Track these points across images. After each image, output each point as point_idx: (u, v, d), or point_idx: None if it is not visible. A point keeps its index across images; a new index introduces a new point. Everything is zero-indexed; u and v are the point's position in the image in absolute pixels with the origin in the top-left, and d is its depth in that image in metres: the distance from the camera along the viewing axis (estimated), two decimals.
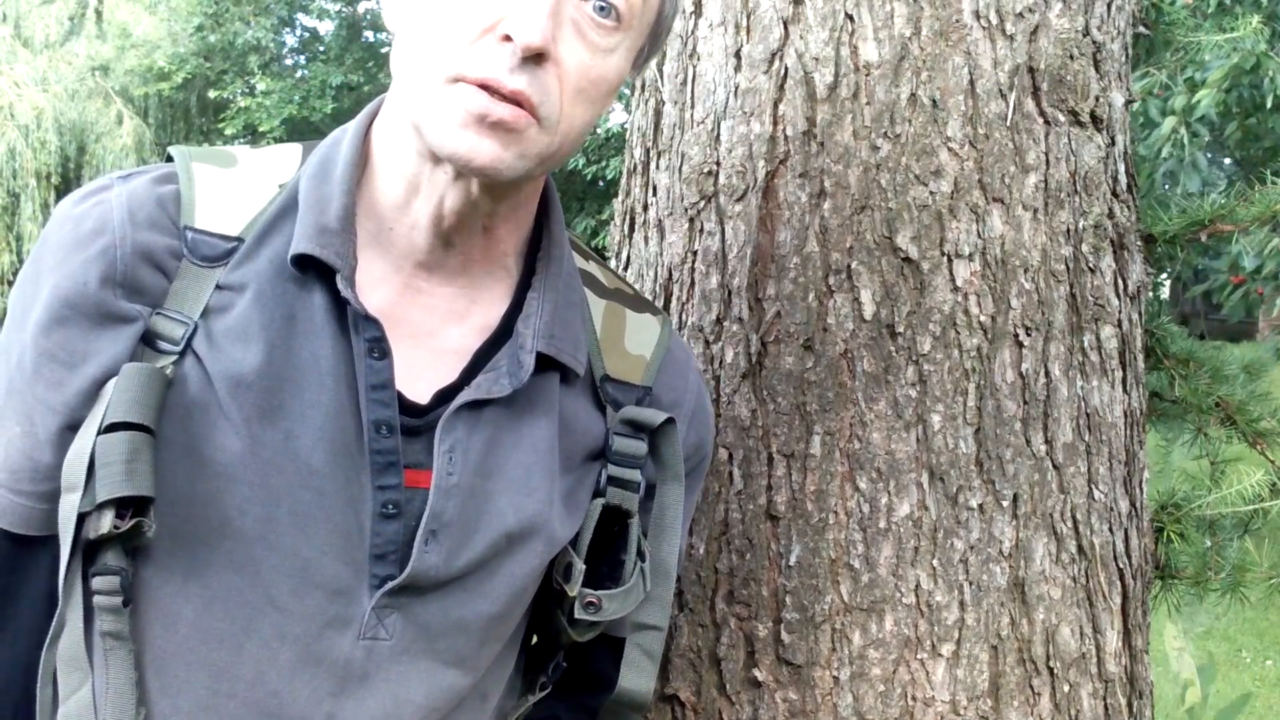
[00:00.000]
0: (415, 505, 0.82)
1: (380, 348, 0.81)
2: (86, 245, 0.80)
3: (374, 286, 0.84)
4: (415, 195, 0.83)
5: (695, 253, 1.26)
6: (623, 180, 1.45)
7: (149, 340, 0.79)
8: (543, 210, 0.92)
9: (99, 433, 0.76)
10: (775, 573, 1.18)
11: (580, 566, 0.89)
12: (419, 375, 0.84)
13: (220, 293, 0.81)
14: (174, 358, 0.79)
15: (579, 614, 0.89)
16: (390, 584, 0.82)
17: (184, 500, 0.78)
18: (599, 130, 13.47)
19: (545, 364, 0.87)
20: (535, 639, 1.02)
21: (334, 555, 0.81)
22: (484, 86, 0.75)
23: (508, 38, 0.75)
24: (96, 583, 0.77)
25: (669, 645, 1.24)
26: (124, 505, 0.75)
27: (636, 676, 0.95)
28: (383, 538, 0.82)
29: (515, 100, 0.76)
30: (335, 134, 0.88)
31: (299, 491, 0.79)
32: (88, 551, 0.77)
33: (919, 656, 1.14)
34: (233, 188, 0.85)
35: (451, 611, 0.85)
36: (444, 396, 0.84)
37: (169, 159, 0.87)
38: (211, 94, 16.16)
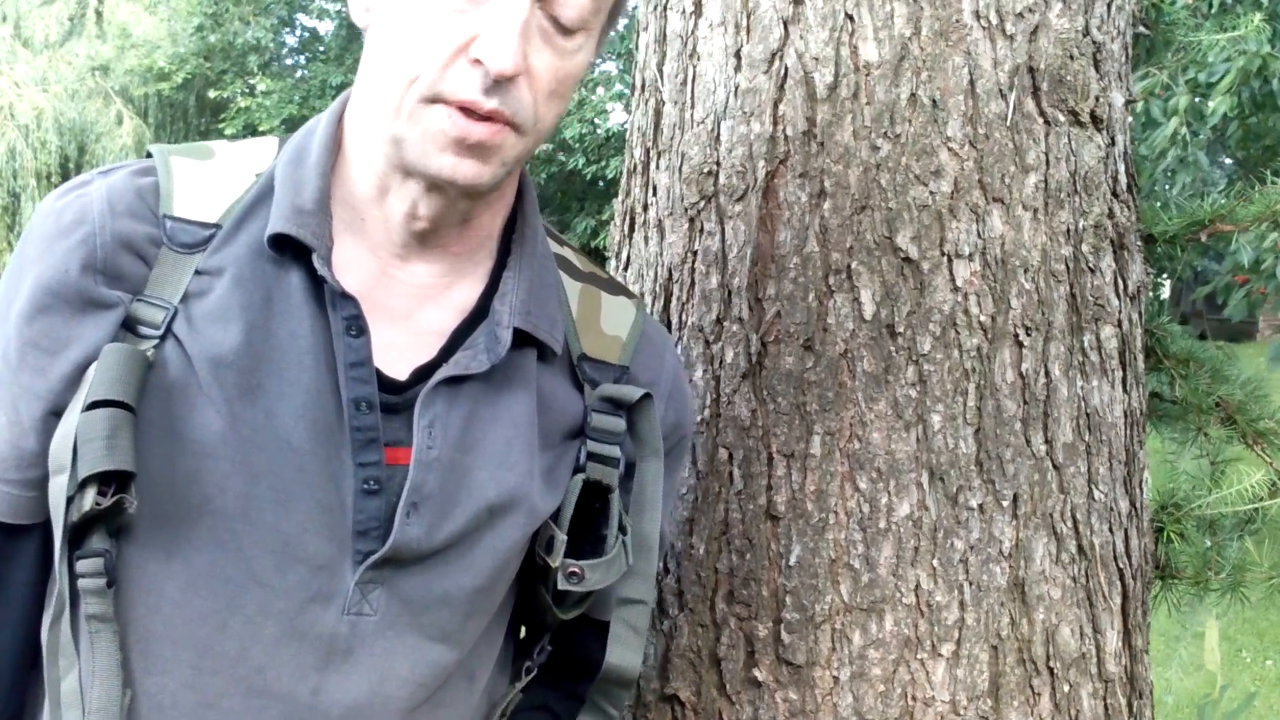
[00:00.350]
0: (397, 481, 0.83)
1: (357, 325, 0.82)
2: (68, 235, 0.82)
3: (352, 270, 0.86)
4: (386, 195, 0.85)
5: (695, 253, 1.26)
6: (623, 180, 1.45)
7: (130, 326, 0.81)
8: (517, 194, 0.94)
9: (81, 413, 0.77)
10: (775, 573, 1.18)
11: (562, 538, 0.90)
12: (399, 355, 0.86)
13: (199, 278, 0.83)
14: (155, 341, 0.81)
15: (562, 585, 0.90)
16: (373, 557, 0.83)
17: (165, 480, 0.80)
18: (599, 130, 13.47)
19: (522, 340, 0.88)
20: (524, 631, 1.03)
21: (316, 531, 0.82)
22: (461, 108, 0.78)
23: (482, 73, 0.77)
24: (81, 565, 0.78)
25: (669, 645, 1.24)
26: (106, 482, 0.77)
27: (623, 651, 0.95)
28: (365, 514, 0.83)
29: (491, 118, 0.78)
30: (310, 123, 0.90)
31: (280, 469, 0.81)
32: (74, 536, 0.79)
33: (919, 656, 1.14)
34: (210, 177, 0.87)
35: (435, 585, 0.86)
36: (423, 374, 0.86)
37: (148, 156, 0.89)
38: (211, 94, 16.16)
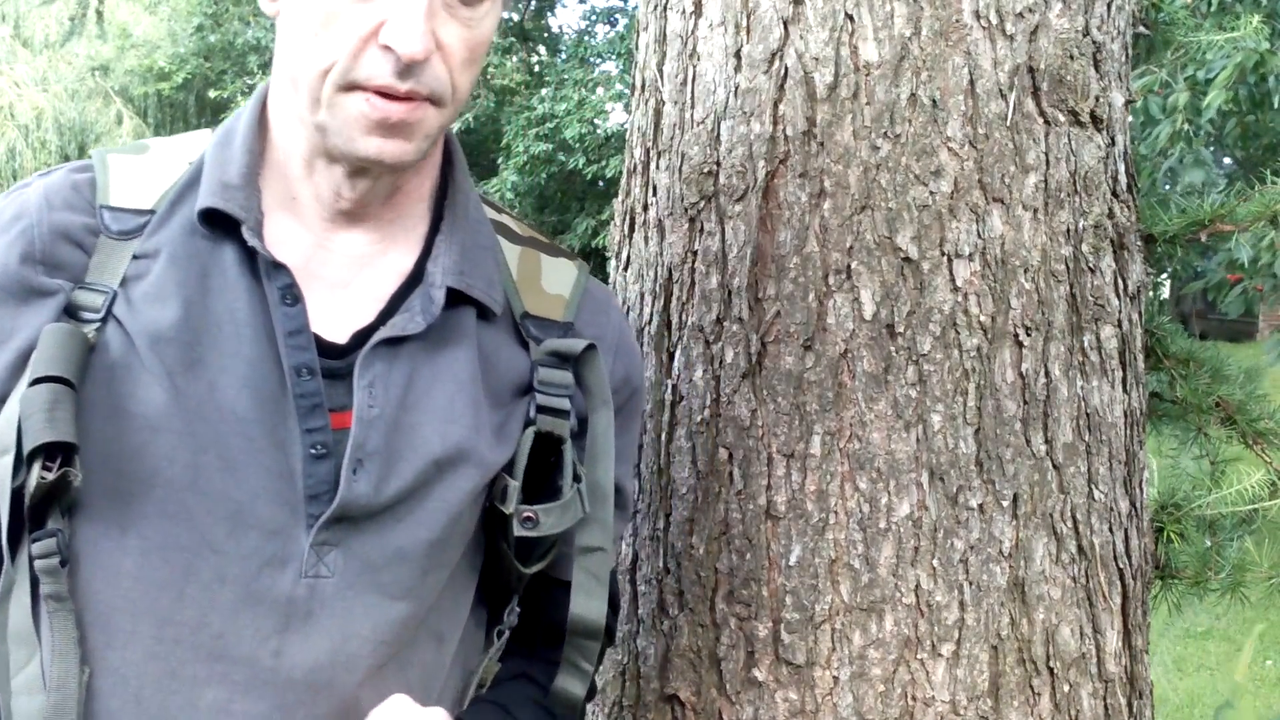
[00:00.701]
0: (344, 445, 0.85)
1: (291, 294, 0.85)
2: (7, 230, 0.85)
3: (287, 244, 0.88)
4: (313, 175, 0.88)
5: (695, 253, 1.26)
6: (623, 180, 1.45)
7: (71, 312, 0.84)
8: (447, 161, 0.97)
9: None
10: (775, 573, 1.18)
11: (515, 484, 0.91)
12: (339, 321, 0.88)
13: (137, 261, 0.86)
14: (96, 325, 0.83)
15: (517, 530, 0.91)
16: (322, 517, 0.84)
17: (114, 456, 0.81)
18: (599, 130, 13.46)
19: (458, 300, 0.90)
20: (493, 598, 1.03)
21: (267, 497, 0.83)
22: (377, 92, 0.81)
23: (393, 57, 0.80)
24: (35, 547, 0.80)
25: (669, 645, 1.24)
26: (50, 457, 0.78)
27: (586, 600, 0.96)
28: (315, 478, 0.84)
29: (409, 97, 0.82)
30: (240, 108, 0.93)
31: (226, 438, 0.82)
32: (32, 518, 0.80)
33: (919, 656, 1.14)
34: (145, 168, 0.90)
35: (390, 542, 0.87)
36: (362, 338, 0.87)
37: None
38: (211, 94, 16.15)
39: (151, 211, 0.87)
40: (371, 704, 0.86)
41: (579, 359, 0.94)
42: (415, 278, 0.91)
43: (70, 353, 0.80)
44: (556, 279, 0.99)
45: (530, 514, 0.91)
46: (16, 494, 0.80)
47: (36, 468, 0.78)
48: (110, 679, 0.82)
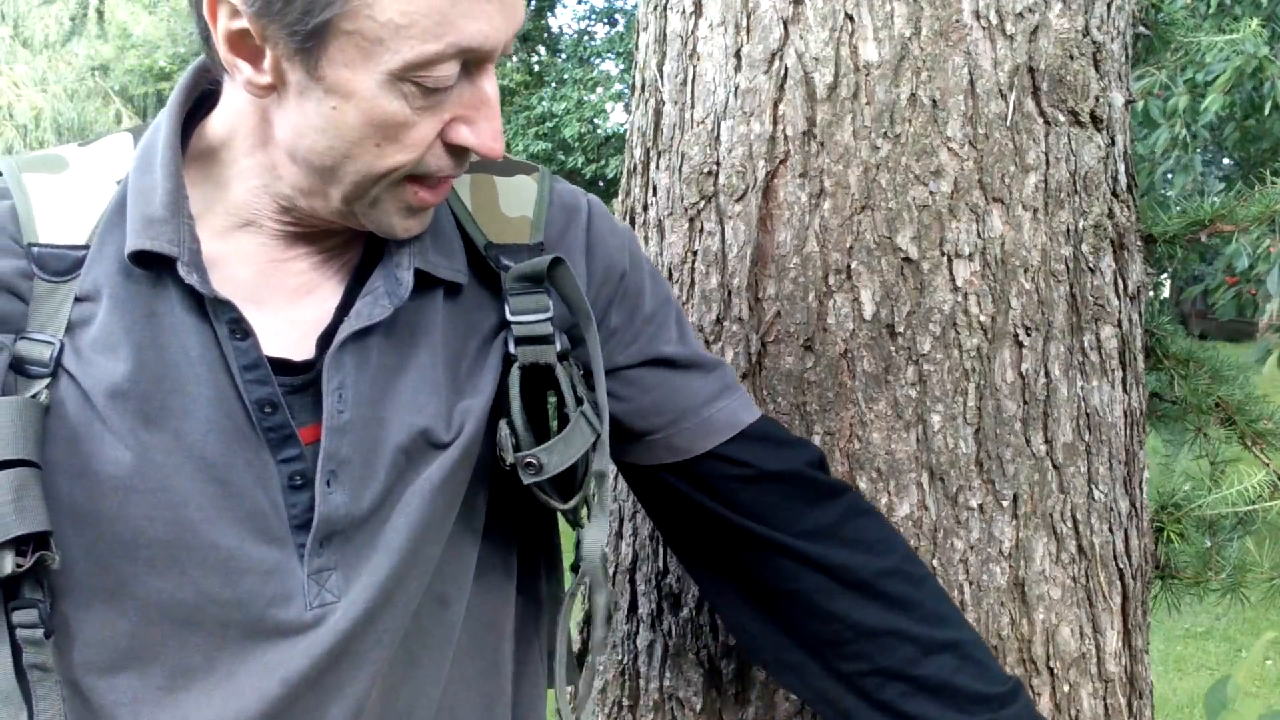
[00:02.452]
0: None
1: (240, 328, 0.80)
2: None
3: (239, 264, 0.84)
4: (285, 215, 0.83)
5: (695, 253, 1.26)
6: (623, 180, 1.45)
7: (17, 367, 0.78)
8: None
9: None
10: None
11: (505, 432, 0.88)
12: (303, 332, 0.84)
13: (80, 305, 0.80)
14: (46, 380, 0.78)
15: (525, 479, 0.87)
16: (308, 541, 0.81)
17: (91, 519, 0.78)
18: (599, 130, 13.47)
19: (424, 282, 0.86)
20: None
21: (254, 539, 0.81)
22: (429, 177, 0.80)
23: (463, 148, 0.78)
24: (16, 617, 0.77)
25: (669, 645, 1.24)
26: (23, 542, 0.75)
27: (595, 530, 0.95)
28: (298, 507, 0.82)
29: (449, 176, 0.81)
30: (156, 119, 0.86)
31: (202, 487, 0.79)
32: (6, 587, 0.77)
33: None
34: (69, 193, 0.83)
35: (378, 542, 0.84)
36: (327, 339, 0.84)
37: None
38: None
39: (86, 247, 0.80)
40: (377, 685, 0.86)
41: (551, 278, 0.89)
42: (368, 263, 0.87)
43: (25, 428, 0.75)
44: (515, 200, 0.94)
45: (531, 459, 0.87)
46: None
47: (10, 556, 0.74)
48: None
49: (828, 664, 0.97)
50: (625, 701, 1.29)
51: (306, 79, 0.74)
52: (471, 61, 0.76)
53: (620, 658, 1.31)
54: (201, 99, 0.88)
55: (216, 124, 0.85)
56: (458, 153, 0.80)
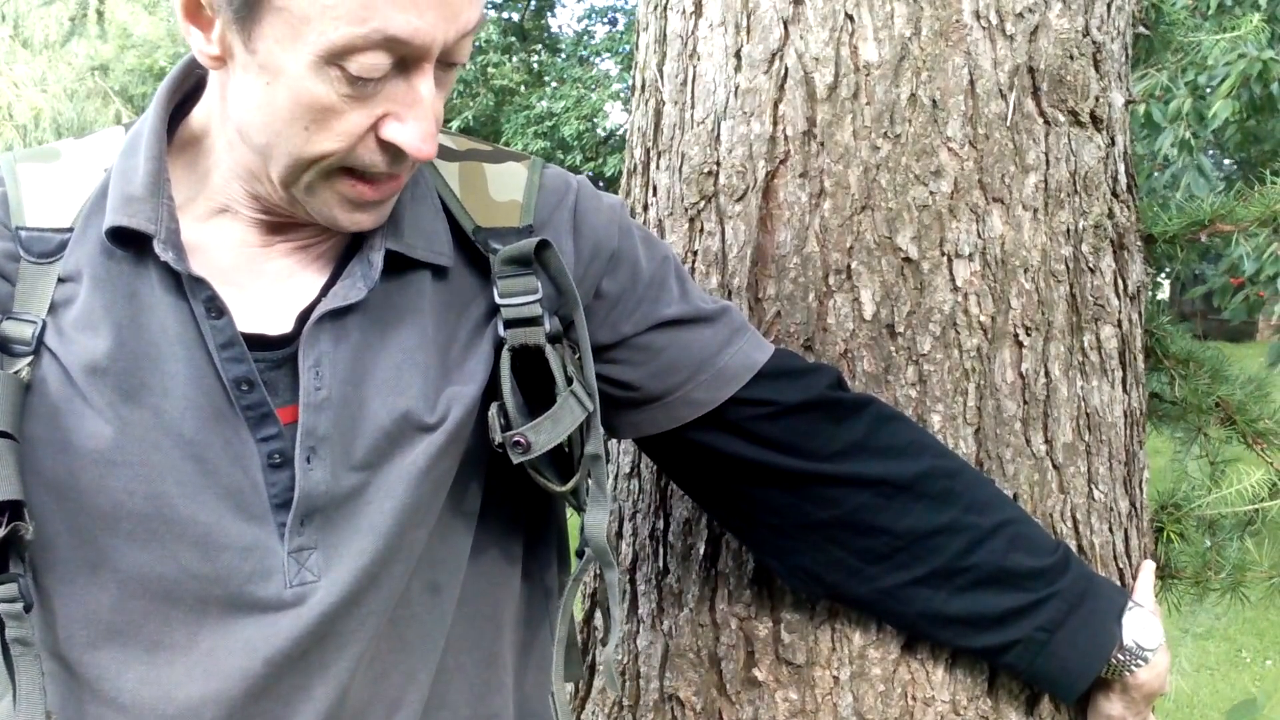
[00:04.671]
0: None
1: (215, 306, 0.81)
2: None
3: (219, 250, 0.85)
4: (255, 201, 0.84)
5: (695, 253, 1.26)
6: (623, 180, 1.45)
7: (3, 347, 0.80)
8: None
9: None
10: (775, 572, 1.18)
11: (493, 413, 0.88)
12: (283, 310, 0.85)
13: (63, 285, 0.82)
14: (29, 359, 0.80)
15: (515, 458, 0.88)
16: (288, 518, 0.82)
17: (72, 492, 0.79)
18: (598, 129, 13.48)
19: (404, 264, 0.87)
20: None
21: (233, 515, 0.81)
22: (365, 172, 0.79)
23: (395, 147, 0.78)
24: None
25: (669, 645, 1.24)
26: None
27: (597, 512, 0.95)
28: (278, 486, 0.82)
29: (395, 176, 0.81)
30: (147, 109, 0.88)
31: (180, 463, 0.80)
32: None
33: (919, 656, 1.14)
34: (59, 180, 0.85)
35: (360, 522, 0.84)
36: (305, 318, 0.84)
37: None
38: None
39: (70, 229, 0.83)
40: (363, 667, 0.86)
41: (538, 260, 0.90)
42: (351, 249, 0.88)
43: (4, 401, 0.77)
44: (504, 185, 0.94)
45: (519, 438, 0.87)
46: None
47: None
48: (111, 711, 0.82)
49: (888, 580, 1.02)
50: (625, 701, 1.29)
51: (244, 52, 0.75)
52: (408, 58, 0.75)
53: (620, 658, 1.31)
54: (193, 91, 0.89)
55: (199, 113, 0.86)
56: (391, 151, 0.79)
